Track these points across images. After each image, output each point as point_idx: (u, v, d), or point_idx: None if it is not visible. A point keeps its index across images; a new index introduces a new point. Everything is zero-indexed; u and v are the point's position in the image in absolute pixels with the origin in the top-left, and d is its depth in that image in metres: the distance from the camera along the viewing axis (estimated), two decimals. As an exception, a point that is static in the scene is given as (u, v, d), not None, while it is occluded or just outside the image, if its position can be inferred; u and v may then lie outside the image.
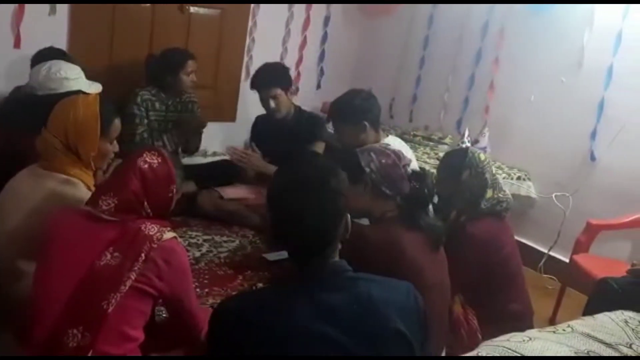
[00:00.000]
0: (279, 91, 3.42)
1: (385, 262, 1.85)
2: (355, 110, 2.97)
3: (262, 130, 3.68)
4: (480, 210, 2.51)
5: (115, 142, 2.20)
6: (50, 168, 2.06)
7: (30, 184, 2.06)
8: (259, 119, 3.73)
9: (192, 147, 3.87)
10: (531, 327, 2.43)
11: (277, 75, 3.48)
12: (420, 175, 2.18)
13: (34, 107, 2.67)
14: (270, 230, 1.55)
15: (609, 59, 3.61)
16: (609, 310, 1.86)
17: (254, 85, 3.51)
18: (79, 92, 2.74)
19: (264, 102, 3.47)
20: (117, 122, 2.21)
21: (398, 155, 2.17)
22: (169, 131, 3.75)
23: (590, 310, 2.17)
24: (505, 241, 2.58)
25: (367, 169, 2.11)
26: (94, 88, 2.87)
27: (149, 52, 3.82)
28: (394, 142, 3.00)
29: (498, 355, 1.54)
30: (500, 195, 2.56)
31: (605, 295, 2.37)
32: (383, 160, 2.13)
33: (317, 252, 1.49)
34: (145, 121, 3.62)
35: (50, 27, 3.54)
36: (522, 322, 2.46)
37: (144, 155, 1.80)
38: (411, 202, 2.12)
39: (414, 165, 2.89)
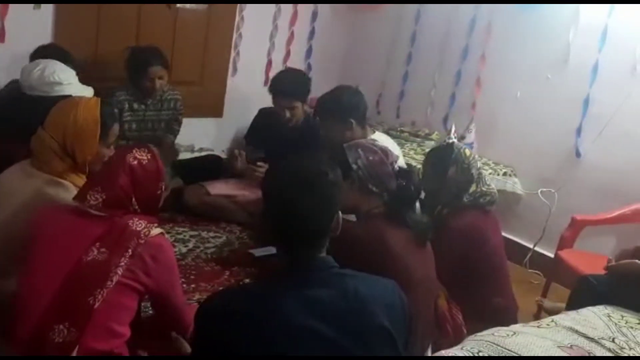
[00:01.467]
0: (298, 103, 3.38)
1: (371, 258, 1.86)
2: (342, 107, 2.97)
3: (265, 126, 3.62)
4: (463, 204, 2.53)
5: (112, 146, 2.19)
6: (42, 168, 2.04)
7: (20, 181, 2.04)
8: (264, 113, 3.68)
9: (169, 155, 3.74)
10: (515, 321, 2.46)
11: (299, 87, 3.42)
12: (407, 173, 2.19)
13: (21, 107, 2.65)
14: (263, 221, 1.56)
15: (595, 56, 3.64)
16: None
17: (274, 90, 3.44)
18: (69, 97, 2.72)
19: (279, 108, 3.42)
20: (115, 127, 2.21)
21: (385, 152, 2.18)
22: (149, 131, 3.70)
23: (571, 307, 2.19)
24: (489, 235, 2.59)
25: (355, 166, 2.11)
26: (87, 93, 2.83)
27: (126, 48, 3.75)
28: (380, 138, 3.00)
29: (483, 349, 1.56)
30: (483, 188, 2.57)
31: (585, 293, 2.39)
32: (370, 157, 2.13)
33: (309, 244, 1.50)
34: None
35: (36, 21, 3.50)
36: (506, 316, 2.47)
37: (134, 151, 1.81)
38: (398, 199, 2.13)
39: (401, 161, 2.91)
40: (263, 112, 3.69)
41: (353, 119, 2.94)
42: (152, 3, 3.92)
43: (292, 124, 3.44)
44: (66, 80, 2.76)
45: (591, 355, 1.61)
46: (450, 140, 3.78)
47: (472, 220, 2.52)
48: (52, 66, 2.79)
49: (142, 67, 3.51)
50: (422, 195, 2.37)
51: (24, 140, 2.17)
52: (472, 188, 2.54)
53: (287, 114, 3.38)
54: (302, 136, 3.43)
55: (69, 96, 2.67)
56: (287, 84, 3.42)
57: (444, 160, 2.58)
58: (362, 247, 1.96)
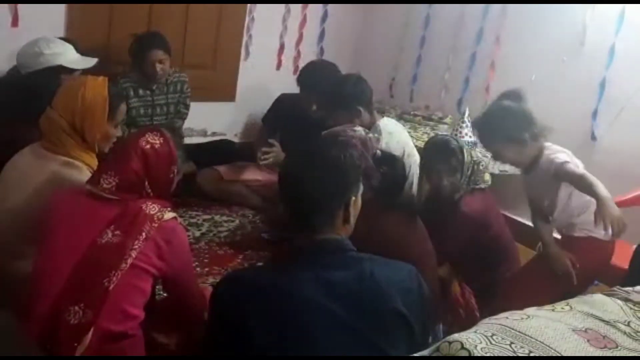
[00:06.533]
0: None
1: (369, 245, 1.85)
2: (347, 97, 2.95)
3: (284, 112, 3.61)
4: (465, 190, 2.54)
5: (119, 126, 2.20)
6: (53, 150, 2.05)
7: (32, 164, 2.05)
8: (284, 98, 3.66)
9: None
10: None
11: (324, 80, 3.35)
12: (389, 160, 2.17)
13: (18, 88, 2.66)
14: (278, 202, 1.58)
15: (611, 39, 3.59)
16: None
17: (300, 82, 3.44)
18: (59, 67, 2.70)
19: (307, 102, 3.41)
20: (123, 106, 2.21)
21: (365, 143, 2.16)
22: (157, 115, 3.70)
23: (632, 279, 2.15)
24: (495, 215, 2.63)
25: None
26: (83, 63, 2.80)
27: (147, 29, 3.78)
28: (388, 123, 3.00)
29: (497, 333, 1.55)
30: (478, 178, 2.59)
31: None
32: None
33: (318, 224, 1.51)
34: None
35: (49, 6, 3.50)
36: None
37: (146, 135, 1.82)
38: (384, 186, 2.12)
39: (410, 146, 2.91)
40: (284, 97, 3.67)
41: (360, 106, 2.92)
42: (167, 3, 3.91)
43: (317, 116, 3.41)
44: (49, 50, 2.72)
45: (606, 337, 1.60)
46: (464, 127, 3.82)
47: (479, 205, 2.53)
48: (36, 39, 2.76)
49: (142, 52, 3.50)
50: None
51: (27, 122, 2.19)
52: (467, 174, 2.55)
53: (314, 108, 3.36)
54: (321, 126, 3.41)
55: (59, 66, 2.68)
56: (310, 76, 3.42)
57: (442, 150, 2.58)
58: (359, 235, 1.96)
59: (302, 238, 1.53)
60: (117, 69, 3.57)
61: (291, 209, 1.55)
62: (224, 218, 3.23)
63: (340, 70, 3.34)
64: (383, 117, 3.16)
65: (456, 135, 3.78)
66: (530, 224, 3.95)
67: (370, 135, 2.22)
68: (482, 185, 2.60)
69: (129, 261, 1.62)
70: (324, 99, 3.10)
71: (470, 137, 3.84)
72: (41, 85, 2.59)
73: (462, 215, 2.47)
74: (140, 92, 3.63)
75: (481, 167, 2.60)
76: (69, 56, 2.76)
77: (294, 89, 3.68)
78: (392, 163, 2.16)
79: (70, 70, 2.73)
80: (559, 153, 2.47)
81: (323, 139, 1.62)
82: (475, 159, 2.61)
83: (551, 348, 1.50)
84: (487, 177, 2.66)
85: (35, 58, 2.70)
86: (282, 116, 3.59)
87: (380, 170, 2.12)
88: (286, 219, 1.57)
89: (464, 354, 1.47)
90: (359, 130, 2.24)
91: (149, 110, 3.67)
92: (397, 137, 2.90)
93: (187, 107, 3.84)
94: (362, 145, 2.13)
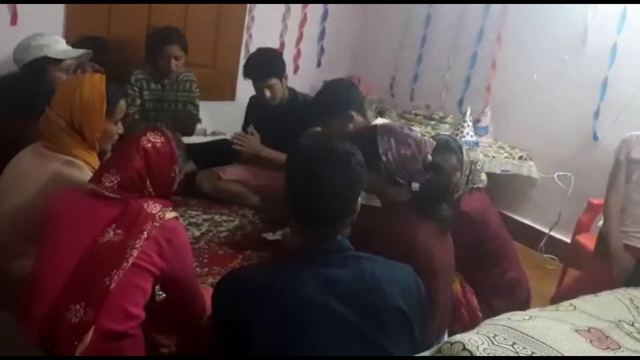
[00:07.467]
0: (274, 81, 3.34)
1: (397, 247, 1.83)
2: (339, 102, 2.92)
3: (256, 114, 3.61)
4: (464, 189, 2.54)
5: (120, 123, 2.19)
6: (54, 149, 2.04)
7: (33, 164, 2.05)
8: (253, 100, 3.66)
9: (187, 130, 3.74)
10: (529, 293, 2.57)
11: (272, 65, 3.37)
12: (437, 168, 2.14)
13: (15, 83, 2.68)
14: (284, 199, 1.55)
15: (613, 38, 3.58)
16: None
17: (247, 74, 3.39)
18: (45, 58, 2.72)
19: (259, 90, 3.39)
20: (122, 104, 2.20)
21: (419, 144, 2.09)
22: (165, 111, 3.71)
23: None
24: (492, 214, 2.62)
25: (384, 158, 2.03)
26: (68, 53, 2.81)
27: (147, 27, 3.77)
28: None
29: (499, 333, 1.55)
30: (475, 177, 2.59)
31: None
32: (402, 151, 2.05)
33: (330, 224, 1.50)
34: (138, 101, 3.59)
35: (48, 4, 3.50)
36: (521, 289, 2.57)
37: (148, 134, 1.82)
38: (424, 193, 2.09)
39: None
40: (252, 100, 3.66)
41: (353, 111, 2.90)
42: (167, 3, 3.90)
43: (276, 102, 3.40)
44: (35, 42, 2.75)
45: (609, 338, 1.60)
46: (466, 125, 3.81)
47: (478, 204, 2.52)
48: (29, 36, 2.80)
49: (159, 46, 3.53)
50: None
51: (25, 119, 2.20)
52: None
53: (268, 94, 3.35)
54: (292, 113, 3.38)
55: (45, 57, 2.72)
56: (257, 64, 3.36)
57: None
58: (389, 235, 1.94)
59: (305, 236, 1.52)
60: (116, 67, 3.55)
61: (310, 213, 1.52)
62: (224, 218, 3.21)
63: (341, 70, 3.31)
64: (378, 118, 3.14)
65: (457, 134, 3.78)
66: (530, 224, 3.99)
67: (426, 138, 2.18)
68: (480, 185, 2.59)
69: (130, 260, 1.62)
70: (315, 108, 3.07)
71: (471, 136, 3.85)
72: (32, 75, 2.65)
73: (462, 214, 2.45)
74: (152, 85, 3.66)
75: (478, 167, 2.60)
76: (54, 47, 2.77)
77: (294, 87, 3.66)
78: (439, 172, 2.13)
79: (56, 61, 2.74)
80: None
81: (331, 140, 1.60)
82: (472, 158, 2.61)
83: (553, 349, 1.50)
84: (484, 176, 2.67)
85: (25, 51, 2.74)
86: (257, 118, 3.57)
87: (426, 176, 2.09)
88: (295, 222, 1.56)
89: (466, 354, 1.47)
90: (416, 130, 2.21)
91: (157, 104, 3.69)
92: None
93: (196, 107, 3.85)
94: (416, 146, 2.09)
